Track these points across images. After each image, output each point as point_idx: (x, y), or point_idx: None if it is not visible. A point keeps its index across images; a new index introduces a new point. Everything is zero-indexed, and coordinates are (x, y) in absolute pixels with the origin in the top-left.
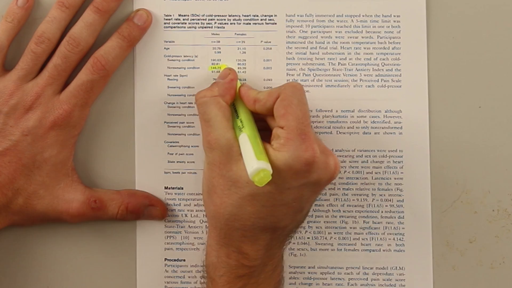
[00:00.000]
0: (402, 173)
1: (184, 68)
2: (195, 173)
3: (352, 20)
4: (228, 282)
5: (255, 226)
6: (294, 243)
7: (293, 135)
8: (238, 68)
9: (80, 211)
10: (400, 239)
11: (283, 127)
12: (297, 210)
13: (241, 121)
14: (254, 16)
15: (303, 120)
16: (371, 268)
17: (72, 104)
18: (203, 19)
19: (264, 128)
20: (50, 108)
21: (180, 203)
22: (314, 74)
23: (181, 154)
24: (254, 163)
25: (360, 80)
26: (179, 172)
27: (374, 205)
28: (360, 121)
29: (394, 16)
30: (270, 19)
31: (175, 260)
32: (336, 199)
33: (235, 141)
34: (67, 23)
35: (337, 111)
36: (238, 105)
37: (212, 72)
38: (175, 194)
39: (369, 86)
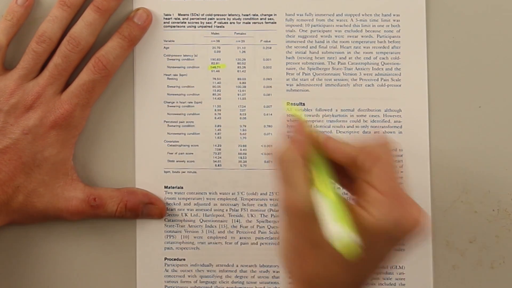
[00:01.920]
0: (402, 172)
1: (184, 68)
2: (195, 172)
3: (351, 19)
4: None
5: (341, 285)
6: None
7: (391, 200)
8: (238, 67)
9: (79, 209)
10: None
11: (380, 190)
12: (382, 265)
13: (323, 182)
14: (253, 15)
15: (397, 184)
16: None
17: (73, 104)
18: (203, 19)
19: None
20: (51, 108)
21: (180, 202)
22: (314, 73)
23: (181, 153)
24: (345, 236)
25: (359, 79)
26: (179, 172)
27: None
28: (360, 120)
29: (394, 15)
30: (270, 19)
31: (175, 259)
32: None
33: (316, 202)
34: (68, 22)
35: (337, 110)
36: (315, 158)
37: (212, 71)
38: (175, 193)
39: (368, 85)
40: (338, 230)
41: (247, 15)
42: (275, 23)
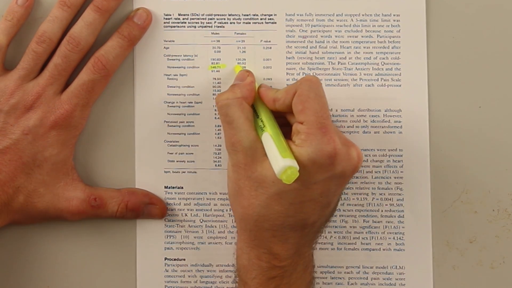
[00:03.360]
0: (402, 172)
1: (184, 68)
2: (195, 172)
3: (351, 19)
4: (261, 284)
5: (285, 225)
6: None
7: (313, 129)
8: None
9: (80, 209)
10: (400, 238)
11: (303, 122)
12: (325, 205)
13: (262, 121)
14: (254, 15)
15: (322, 113)
16: (371, 267)
17: (73, 104)
18: (203, 19)
19: (284, 124)
20: (51, 108)
21: (180, 202)
22: (314, 73)
23: (181, 153)
24: (281, 161)
25: (359, 79)
26: (179, 172)
27: (374, 204)
28: (360, 120)
29: (394, 15)
30: (270, 19)
31: (175, 259)
32: None
33: (259, 141)
34: (68, 22)
35: (337, 110)
36: (257, 105)
37: (212, 71)
38: (175, 193)
39: (368, 85)
40: (281, 162)
41: (247, 15)
42: (275, 23)
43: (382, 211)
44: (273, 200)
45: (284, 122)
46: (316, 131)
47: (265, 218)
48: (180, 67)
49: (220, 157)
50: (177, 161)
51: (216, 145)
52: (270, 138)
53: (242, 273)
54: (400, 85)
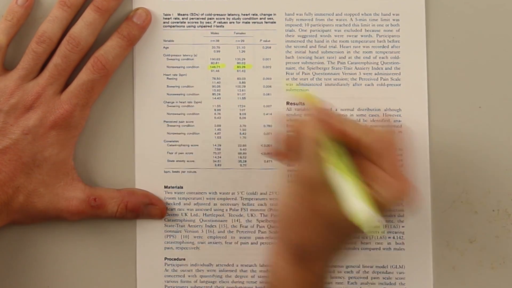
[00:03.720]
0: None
1: (184, 67)
2: (195, 172)
3: (351, 18)
4: None
5: (330, 249)
6: None
7: (398, 183)
8: (238, 67)
9: (79, 209)
10: (400, 238)
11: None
12: None
13: (340, 159)
14: (253, 15)
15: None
16: (371, 267)
17: (73, 104)
18: (202, 18)
19: None
20: (51, 108)
21: (180, 202)
22: (314, 73)
23: (181, 153)
24: (370, 216)
25: (359, 79)
26: (178, 171)
27: None
28: (359, 119)
29: (394, 14)
30: (269, 18)
31: (175, 259)
32: None
33: (329, 177)
34: (68, 22)
35: (336, 110)
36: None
37: (212, 71)
38: (175, 193)
39: (368, 85)
40: (359, 206)
41: (246, 14)
42: (275, 22)
43: None
44: (329, 231)
45: None
46: (400, 185)
47: (315, 245)
48: (179, 67)
49: (220, 157)
50: (176, 161)
51: (215, 145)
52: (351, 183)
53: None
54: (399, 85)
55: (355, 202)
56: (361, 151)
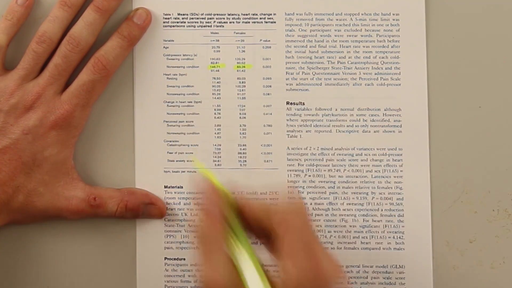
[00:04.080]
0: (401, 171)
1: (184, 67)
2: (195, 172)
3: (351, 18)
4: None
5: None
6: None
7: (305, 273)
8: (238, 67)
9: (79, 208)
10: (400, 238)
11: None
12: None
13: (242, 244)
14: (253, 15)
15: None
16: (371, 267)
17: (73, 105)
18: (202, 18)
19: None
20: (51, 108)
21: (180, 202)
22: (313, 73)
23: (181, 153)
24: None
25: (359, 79)
26: (178, 171)
27: (374, 203)
28: (359, 119)
29: (393, 14)
30: (269, 18)
31: (175, 259)
32: (336, 198)
33: (237, 275)
34: (69, 22)
35: (336, 110)
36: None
37: (211, 71)
38: (175, 193)
39: (368, 85)
40: None
41: (246, 14)
42: (275, 22)
43: (381, 210)
44: None
45: None
46: (307, 275)
47: None
48: (179, 67)
49: (220, 157)
50: (176, 161)
51: (215, 145)
52: (255, 272)
53: None
54: (399, 84)
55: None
56: (268, 233)
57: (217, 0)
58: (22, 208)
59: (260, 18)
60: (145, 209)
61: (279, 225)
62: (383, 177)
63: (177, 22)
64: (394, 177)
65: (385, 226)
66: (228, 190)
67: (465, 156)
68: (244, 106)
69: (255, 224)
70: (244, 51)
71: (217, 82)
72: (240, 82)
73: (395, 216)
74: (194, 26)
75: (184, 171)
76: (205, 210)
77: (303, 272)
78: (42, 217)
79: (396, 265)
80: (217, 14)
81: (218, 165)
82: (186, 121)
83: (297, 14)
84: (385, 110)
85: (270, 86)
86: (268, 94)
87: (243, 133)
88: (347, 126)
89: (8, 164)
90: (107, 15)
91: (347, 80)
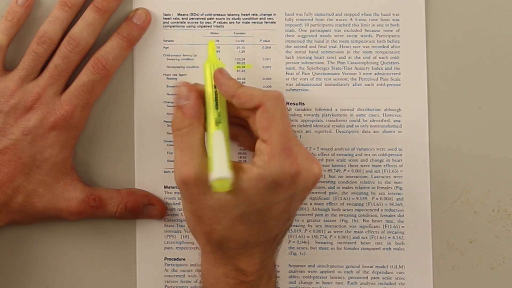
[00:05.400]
0: (401, 171)
1: (183, 67)
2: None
3: (351, 18)
4: None
5: (249, 243)
6: (293, 242)
7: (277, 151)
8: (238, 67)
9: (79, 209)
10: (400, 238)
11: (266, 141)
12: (286, 219)
13: (219, 115)
14: (253, 15)
15: (286, 134)
16: (371, 267)
17: (73, 105)
18: (202, 18)
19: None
20: (51, 109)
21: (180, 202)
22: (313, 73)
23: None
24: (216, 172)
25: (359, 79)
26: None
27: (374, 203)
28: (359, 119)
29: (393, 14)
30: (269, 18)
31: (175, 259)
32: (336, 198)
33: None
34: (69, 23)
35: (336, 110)
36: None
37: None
38: (175, 193)
39: (368, 85)
40: (218, 172)
41: (246, 15)
42: (275, 22)
43: (381, 210)
44: (236, 221)
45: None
46: (280, 153)
47: (229, 240)
48: (179, 67)
49: None
50: None
51: None
52: (222, 141)
53: None
54: (399, 85)
55: (216, 165)
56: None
57: (217, 0)
58: (21, 209)
59: (260, 18)
60: (145, 209)
61: (262, 118)
62: (383, 177)
63: (177, 22)
64: (394, 177)
65: (385, 226)
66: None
67: (465, 156)
68: None
69: (235, 104)
70: (244, 51)
71: None
72: (240, 82)
73: (395, 216)
74: (194, 26)
75: None
76: (185, 108)
77: (271, 166)
78: (41, 218)
79: (396, 265)
80: (217, 14)
81: None
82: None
83: (297, 14)
84: (385, 110)
85: (270, 86)
86: None
87: None
88: (347, 126)
89: (7, 164)
90: (107, 16)
91: (347, 80)
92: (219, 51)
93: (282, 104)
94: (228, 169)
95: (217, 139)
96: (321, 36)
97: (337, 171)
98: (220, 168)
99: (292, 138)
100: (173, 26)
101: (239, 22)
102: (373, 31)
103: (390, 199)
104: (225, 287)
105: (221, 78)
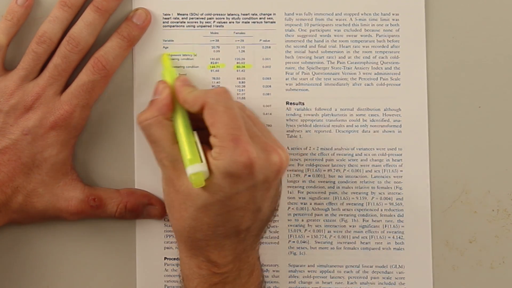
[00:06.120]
0: (401, 171)
1: (183, 67)
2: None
3: (351, 18)
4: None
5: (216, 234)
6: (293, 242)
7: (226, 142)
8: (237, 67)
9: (79, 209)
10: (399, 237)
11: (216, 135)
12: (255, 210)
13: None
14: (253, 14)
15: (232, 125)
16: (370, 267)
17: (73, 105)
18: (202, 18)
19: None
20: (51, 109)
21: None
22: (313, 73)
23: None
24: (189, 169)
25: (359, 79)
26: None
27: (374, 203)
28: (359, 119)
29: (393, 14)
30: (269, 18)
31: (175, 259)
32: (336, 198)
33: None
34: (69, 22)
35: (336, 110)
36: (176, 104)
37: (211, 71)
38: None
39: (368, 85)
40: (189, 167)
41: (246, 14)
42: (274, 22)
43: (381, 210)
44: (200, 212)
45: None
46: (228, 144)
47: (196, 229)
48: (179, 67)
49: None
50: None
51: None
52: (182, 142)
53: (186, 283)
54: (399, 84)
55: (186, 163)
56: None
57: (217, 0)
58: (21, 209)
59: (260, 18)
60: (145, 209)
61: (207, 115)
62: (383, 177)
63: (177, 22)
64: (394, 177)
65: (385, 226)
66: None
67: (465, 156)
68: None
69: (188, 109)
70: (244, 51)
71: (217, 82)
72: (239, 82)
73: (394, 216)
74: (194, 26)
75: None
76: (154, 102)
77: (224, 157)
78: (41, 218)
79: (396, 265)
80: (217, 14)
81: None
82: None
83: (297, 14)
84: (385, 110)
85: (270, 86)
86: (268, 94)
87: None
88: (347, 126)
89: (7, 164)
90: (107, 15)
91: (347, 80)
92: (219, 51)
93: (225, 97)
94: (203, 163)
95: (187, 135)
96: (321, 36)
97: (337, 171)
98: (194, 161)
99: (240, 129)
100: (173, 26)
101: (239, 22)
102: (372, 31)
103: (390, 199)
104: (198, 277)
105: (178, 87)
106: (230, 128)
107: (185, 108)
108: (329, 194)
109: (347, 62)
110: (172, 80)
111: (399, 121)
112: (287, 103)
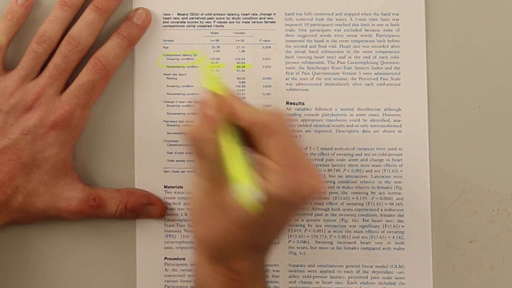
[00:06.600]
0: (401, 171)
1: (183, 67)
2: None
3: (351, 18)
4: None
5: (242, 246)
6: (293, 242)
7: (288, 172)
8: (238, 67)
9: (79, 208)
10: (399, 237)
11: (277, 162)
12: (282, 228)
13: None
14: (253, 14)
15: (295, 154)
16: (370, 266)
17: (73, 105)
18: (202, 18)
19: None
20: (51, 108)
21: (179, 202)
22: (313, 73)
23: (181, 153)
24: (250, 192)
25: (359, 79)
26: (178, 171)
27: (374, 203)
28: (359, 119)
29: (393, 14)
30: (269, 18)
31: (175, 259)
32: (336, 198)
33: (225, 170)
34: (69, 22)
35: (336, 110)
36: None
37: (211, 71)
38: (175, 193)
39: (368, 84)
40: (244, 187)
41: (246, 14)
42: (275, 22)
43: (381, 210)
44: (236, 227)
45: None
46: (290, 174)
47: (225, 241)
48: (179, 67)
49: None
50: (176, 161)
51: None
52: (237, 162)
53: None
54: (399, 84)
55: (240, 183)
56: (252, 136)
57: (217, 0)
58: (21, 209)
59: (260, 18)
60: (145, 209)
61: (262, 129)
62: (383, 177)
63: (177, 22)
64: (394, 177)
65: (385, 226)
66: (225, 91)
67: (465, 156)
68: None
69: (243, 127)
70: (244, 51)
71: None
72: (240, 82)
73: (395, 216)
74: (194, 26)
75: (184, 171)
76: (202, 113)
77: (284, 186)
78: (41, 218)
79: (396, 265)
80: (217, 14)
81: None
82: (186, 121)
83: (297, 14)
84: (385, 110)
85: (270, 86)
86: (268, 94)
87: None
88: (347, 126)
89: (7, 164)
90: (107, 15)
91: (347, 80)
92: (219, 51)
93: (286, 122)
94: (261, 189)
95: (240, 154)
96: (321, 35)
97: (337, 171)
98: (252, 185)
99: (303, 158)
100: (173, 26)
101: (239, 22)
102: (373, 30)
103: (390, 199)
104: (215, 282)
105: (233, 101)
106: (292, 157)
107: (235, 122)
108: (329, 194)
109: (347, 62)
110: (215, 89)
111: (399, 121)
112: (287, 103)
